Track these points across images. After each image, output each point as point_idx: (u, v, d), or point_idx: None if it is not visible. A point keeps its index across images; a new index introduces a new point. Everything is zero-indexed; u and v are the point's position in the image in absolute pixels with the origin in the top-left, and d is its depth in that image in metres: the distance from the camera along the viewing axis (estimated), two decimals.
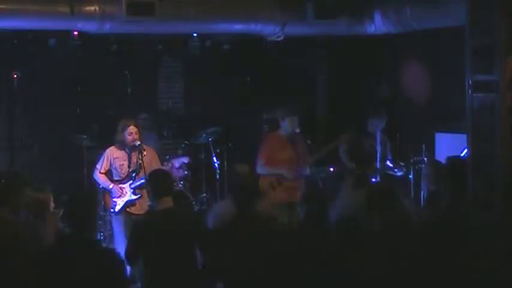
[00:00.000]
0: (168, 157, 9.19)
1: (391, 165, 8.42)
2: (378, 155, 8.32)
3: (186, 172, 9.54)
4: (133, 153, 7.61)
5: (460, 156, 5.85)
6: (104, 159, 7.65)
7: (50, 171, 9.19)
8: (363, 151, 8.38)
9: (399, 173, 8.50)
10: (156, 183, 5.52)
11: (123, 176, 7.62)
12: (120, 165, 7.62)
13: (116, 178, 7.66)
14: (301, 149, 7.88)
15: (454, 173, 4.69)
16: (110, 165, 7.64)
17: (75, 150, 9.38)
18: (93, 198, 4.92)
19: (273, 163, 7.76)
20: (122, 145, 7.61)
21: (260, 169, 7.78)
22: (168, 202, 5.42)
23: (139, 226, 5.69)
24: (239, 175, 6.37)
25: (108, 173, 7.70)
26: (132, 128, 7.55)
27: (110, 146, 7.70)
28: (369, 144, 8.48)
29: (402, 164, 8.49)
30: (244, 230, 4.63)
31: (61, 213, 8.80)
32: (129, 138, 7.54)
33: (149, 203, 6.71)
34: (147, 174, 6.61)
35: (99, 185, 7.77)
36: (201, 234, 5.35)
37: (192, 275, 5.24)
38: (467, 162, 4.69)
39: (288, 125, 7.78)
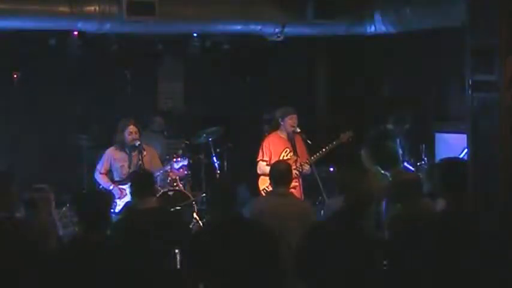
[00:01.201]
0: (168, 157, 9.19)
1: (412, 167, 8.38)
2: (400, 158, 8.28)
3: (186, 172, 9.53)
4: (133, 154, 7.61)
5: (456, 157, 5.86)
6: (104, 160, 7.65)
7: (50, 171, 9.19)
8: (387, 153, 8.33)
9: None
10: (138, 183, 5.55)
11: (124, 176, 7.63)
12: (121, 166, 7.62)
13: (116, 179, 7.67)
14: (301, 149, 7.88)
15: (450, 174, 4.67)
16: (111, 166, 7.64)
17: (75, 150, 9.39)
18: (108, 197, 4.91)
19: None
20: (122, 145, 7.61)
21: (262, 169, 7.78)
22: (149, 202, 5.43)
23: (119, 225, 5.66)
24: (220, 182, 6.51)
25: (109, 174, 7.70)
26: (131, 128, 7.55)
27: (110, 146, 7.71)
28: (391, 146, 8.42)
29: (424, 163, 8.46)
30: (229, 233, 4.64)
31: (61, 213, 8.83)
32: (129, 137, 7.54)
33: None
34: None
35: (100, 185, 7.78)
36: (181, 234, 5.37)
37: (172, 275, 5.24)
38: (465, 163, 4.70)
39: (287, 125, 7.79)
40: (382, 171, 8.13)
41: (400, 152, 8.34)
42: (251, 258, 4.57)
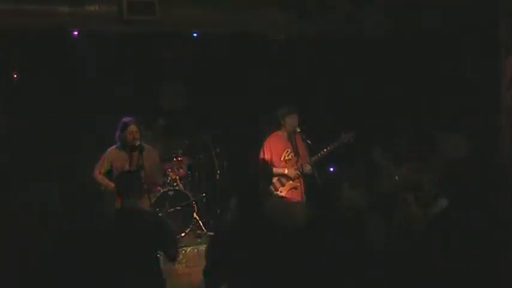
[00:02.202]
0: (168, 157, 9.21)
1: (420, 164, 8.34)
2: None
3: (186, 172, 9.54)
4: (133, 153, 7.61)
5: (458, 156, 5.85)
6: (104, 160, 7.65)
7: (50, 171, 9.19)
8: (398, 150, 8.32)
9: None
10: (120, 184, 5.60)
11: None
12: (121, 165, 7.62)
13: None
14: (302, 149, 7.88)
15: (452, 174, 4.67)
16: (111, 166, 7.64)
17: (75, 150, 9.39)
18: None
19: (274, 163, 7.78)
20: (122, 145, 7.62)
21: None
22: (132, 203, 5.45)
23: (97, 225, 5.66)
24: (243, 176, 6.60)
25: (110, 174, 7.71)
26: (132, 127, 7.56)
27: (110, 146, 7.71)
28: (400, 143, 8.41)
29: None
30: (244, 230, 4.66)
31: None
32: (129, 137, 7.55)
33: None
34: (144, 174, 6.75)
35: (100, 185, 7.78)
36: (163, 235, 5.40)
37: (150, 275, 5.26)
38: (466, 162, 4.70)
39: (288, 125, 7.79)
40: (395, 168, 8.14)
41: (408, 149, 8.33)
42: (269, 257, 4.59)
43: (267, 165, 7.76)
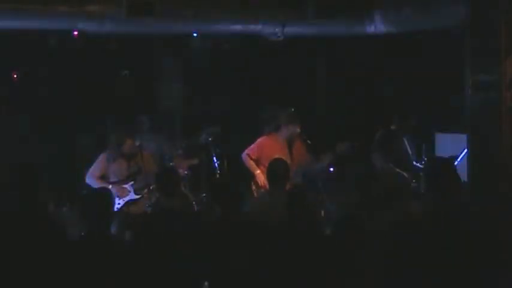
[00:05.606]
0: (172, 157, 9.19)
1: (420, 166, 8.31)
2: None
3: (186, 172, 9.52)
4: (131, 157, 7.67)
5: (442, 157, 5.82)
6: (100, 163, 7.66)
7: (49, 171, 9.18)
8: (400, 152, 8.29)
9: None
10: (165, 181, 5.60)
11: (123, 177, 7.67)
12: (120, 167, 7.66)
13: (114, 180, 7.69)
14: (301, 153, 7.89)
15: (441, 173, 4.63)
16: (108, 168, 7.66)
17: (75, 150, 9.39)
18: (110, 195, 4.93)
19: (264, 163, 7.78)
20: (118, 155, 7.65)
21: (245, 161, 7.85)
22: (175, 201, 5.47)
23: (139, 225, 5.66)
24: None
25: (106, 176, 7.72)
26: (128, 141, 7.61)
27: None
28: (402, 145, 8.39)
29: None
30: (229, 229, 4.67)
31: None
32: (127, 150, 7.61)
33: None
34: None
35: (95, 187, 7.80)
36: (197, 235, 5.39)
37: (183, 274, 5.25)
38: (450, 163, 4.67)
39: (290, 132, 7.81)
40: (397, 170, 8.12)
41: (409, 151, 8.32)
42: (254, 257, 4.59)
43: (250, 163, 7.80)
